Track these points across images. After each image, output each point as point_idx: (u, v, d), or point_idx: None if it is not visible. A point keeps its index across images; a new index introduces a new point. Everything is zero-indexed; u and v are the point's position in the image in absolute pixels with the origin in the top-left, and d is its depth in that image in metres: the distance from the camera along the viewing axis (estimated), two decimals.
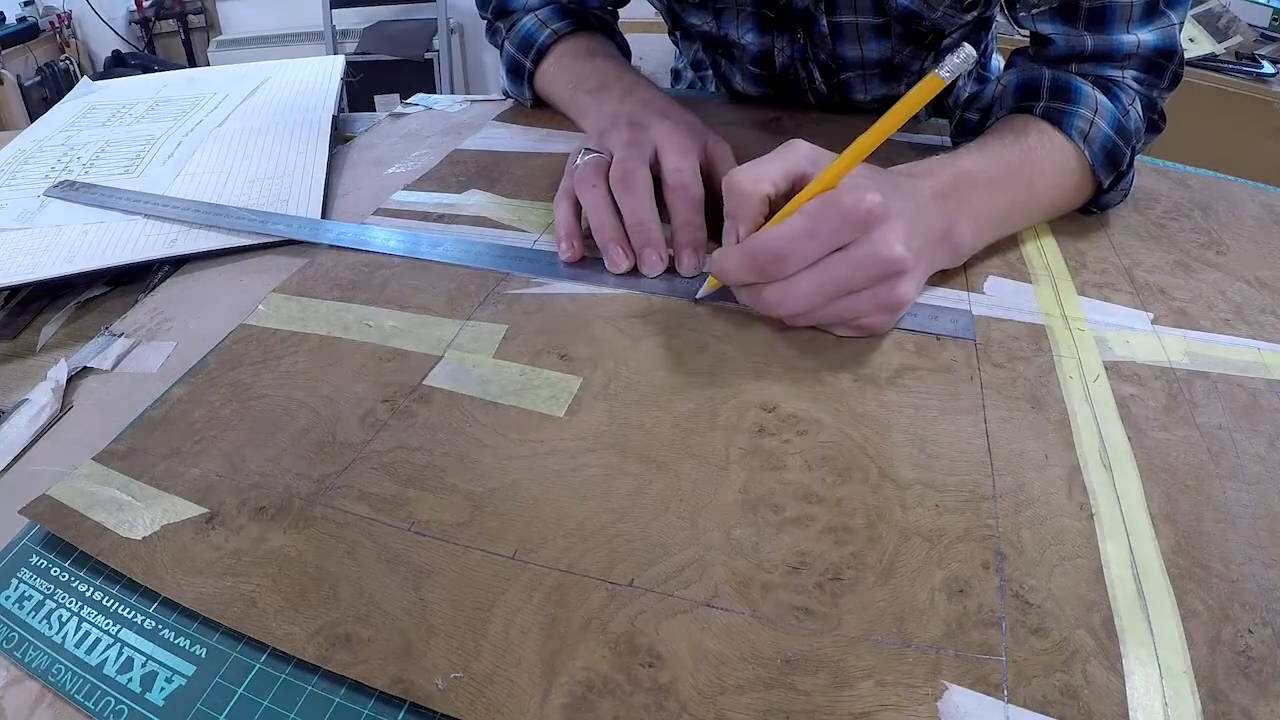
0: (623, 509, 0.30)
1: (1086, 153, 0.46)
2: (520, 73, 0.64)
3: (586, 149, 0.46)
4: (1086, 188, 0.48)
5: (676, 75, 0.88)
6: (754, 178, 0.36)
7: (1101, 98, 0.47)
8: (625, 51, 0.65)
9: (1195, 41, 1.64)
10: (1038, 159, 0.46)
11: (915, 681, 0.25)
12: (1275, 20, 1.75)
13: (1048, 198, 0.47)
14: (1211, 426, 0.34)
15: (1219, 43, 1.64)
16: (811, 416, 0.34)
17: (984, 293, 0.42)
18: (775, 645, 0.26)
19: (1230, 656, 0.25)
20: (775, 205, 0.37)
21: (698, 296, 0.41)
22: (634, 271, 0.43)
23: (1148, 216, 0.50)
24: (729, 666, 0.25)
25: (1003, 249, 0.46)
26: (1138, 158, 0.58)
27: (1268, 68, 1.61)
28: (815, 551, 0.28)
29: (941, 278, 0.43)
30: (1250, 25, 1.70)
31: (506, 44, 0.64)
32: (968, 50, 0.32)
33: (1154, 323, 0.40)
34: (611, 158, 0.44)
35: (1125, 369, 0.37)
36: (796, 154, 0.37)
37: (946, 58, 0.32)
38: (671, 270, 0.43)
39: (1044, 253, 0.46)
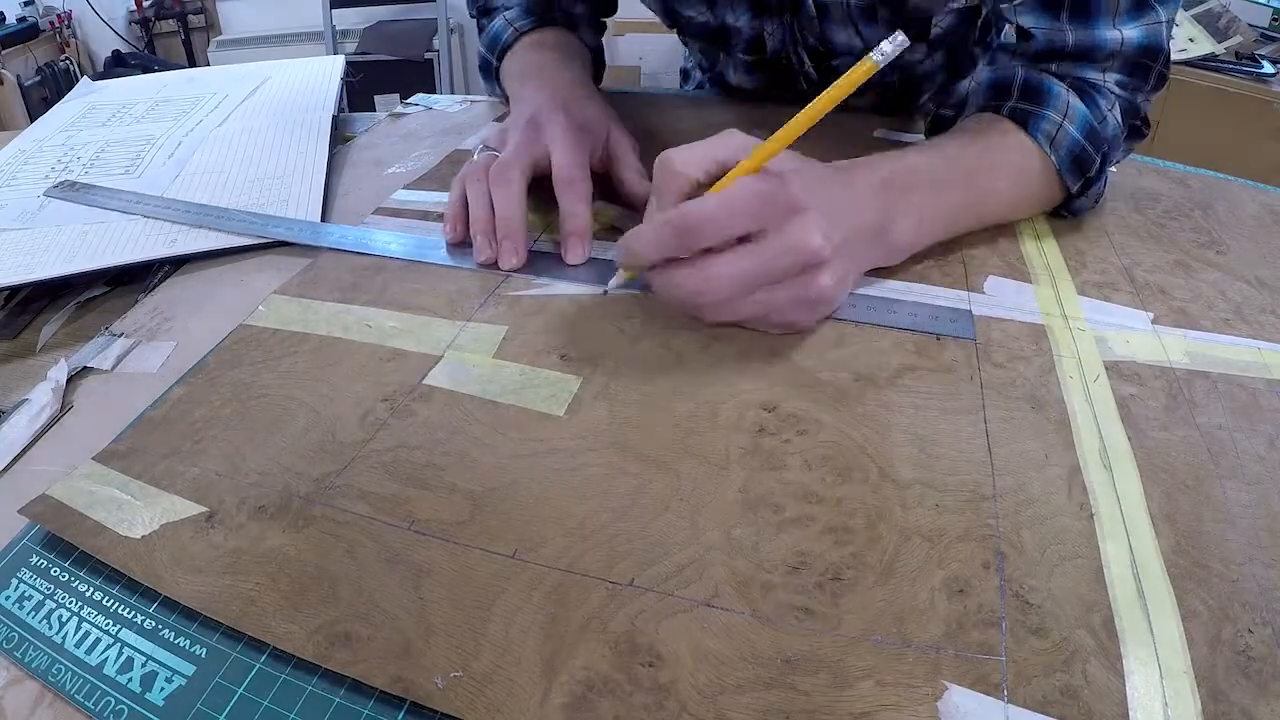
0: (622, 508, 0.30)
1: (1053, 157, 0.45)
2: (489, 70, 0.66)
3: (484, 145, 0.49)
4: (1052, 191, 0.47)
5: (685, 75, 0.88)
6: (685, 159, 0.37)
7: (1075, 101, 0.46)
8: (591, 47, 0.66)
9: (1195, 41, 1.64)
10: (995, 160, 0.45)
11: (915, 681, 0.24)
12: (1275, 20, 1.75)
13: (1006, 199, 0.46)
14: (1211, 426, 0.34)
15: (1219, 43, 1.64)
16: (811, 416, 0.34)
17: (984, 293, 0.42)
18: (775, 645, 0.26)
19: (1230, 656, 0.25)
20: (702, 191, 0.38)
21: (608, 287, 0.41)
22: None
23: (1148, 216, 0.50)
24: (729, 666, 0.25)
25: (1003, 249, 0.46)
26: (1140, 159, 0.59)
27: (1268, 68, 1.61)
28: (815, 551, 0.28)
29: (941, 277, 0.43)
30: (1250, 25, 1.70)
31: (479, 44, 0.66)
32: (901, 37, 0.33)
33: (1154, 322, 0.40)
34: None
35: (1125, 369, 0.37)
36: (731, 143, 0.38)
37: (881, 43, 0.33)
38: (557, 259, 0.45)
39: (1044, 253, 0.46)
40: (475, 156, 0.48)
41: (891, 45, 0.33)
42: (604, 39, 0.70)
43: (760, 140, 0.37)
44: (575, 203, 0.45)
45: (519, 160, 0.46)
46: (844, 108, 0.66)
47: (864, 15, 0.58)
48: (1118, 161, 0.51)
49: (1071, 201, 0.48)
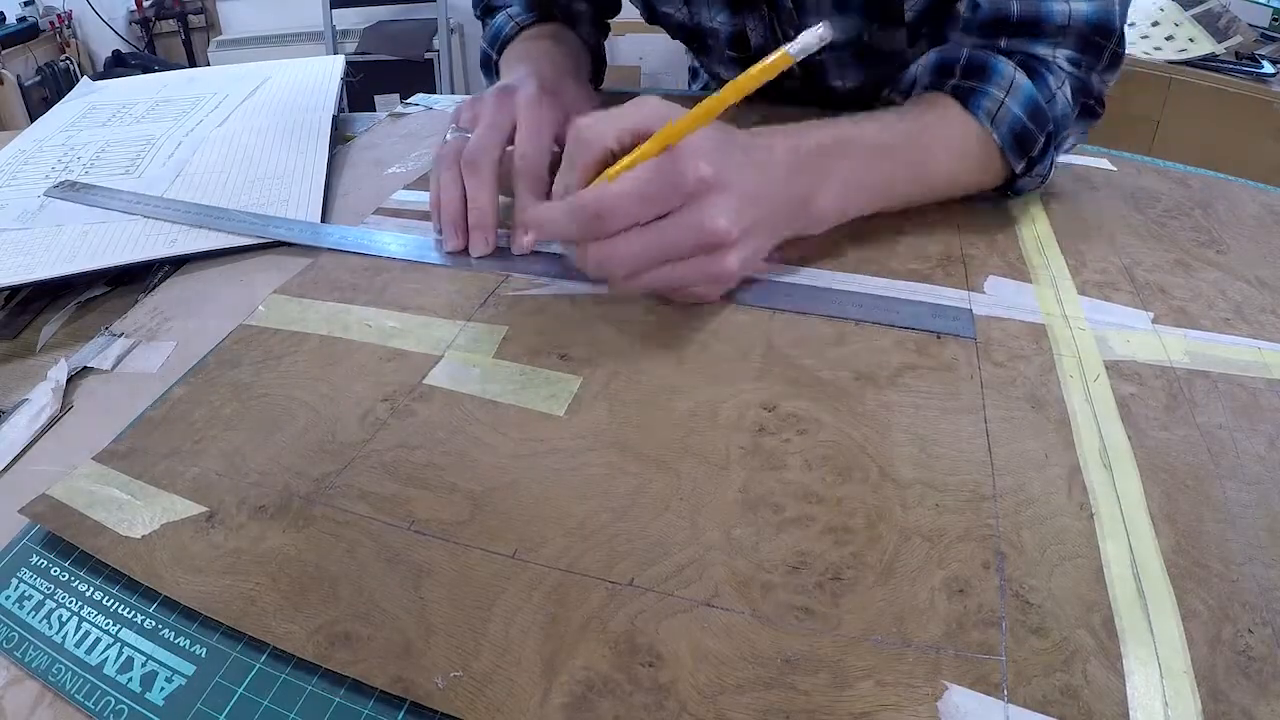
0: (623, 508, 0.30)
1: (994, 134, 0.45)
2: (489, 64, 0.66)
3: (455, 128, 0.48)
4: (994, 168, 0.47)
5: (694, 74, 0.88)
6: (599, 130, 0.37)
7: (1021, 78, 0.45)
8: (592, 44, 0.66)
9: (1195, 41, 1.64)
10: (934, 136, 0.45)
11: (915, 681, 0.24)
12: (1275, 20, 1.75)
13: (944, 175, 0.46)
14: (1212, 426, 0.34)
15: (1219, 43, 1.64)
16: (811, 416, 0.34)
17: (984, 292, 0.42)
18: (775, 645, 0.25)
19: (1230, 656, 0.25)
20: (615, 160, 0.37)
21: (517, 247, 0.43)
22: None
23: (1148, 216, 0.50)
24: (729, 666, 0.25)
25: (1003, 249, 0.46)
26: (1140, 159, 0.59)
27: (1268, 68, 1.61)
28: (815, 551, 0.28)
29: (942, 276, 0.43)
30: (1250, 25, 1.70)
31: (481, 40, 0.66)
32: (822, 29, 0.32)
33: (1154, 322, 0.40)
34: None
35: (1125, 368, 0.37)
36: (646, 110, 0.37)
37: (800, 34, 0.32)
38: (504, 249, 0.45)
39: (1044, 252, 0.46)
40: (447, 138, 0.48)
41: (813, 37, 0.32)
42: (608, 39, 0.70)
43: (678, 109, 0.37)
44: (528, 196, 0.45)
45: (490, 144, 0.45)
46: (831, 100, 0.66)
47: (835, 6, 0.57)
48: (1073, 144, 0.51)
49: (1015, 180, 0.48)
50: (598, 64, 0.68)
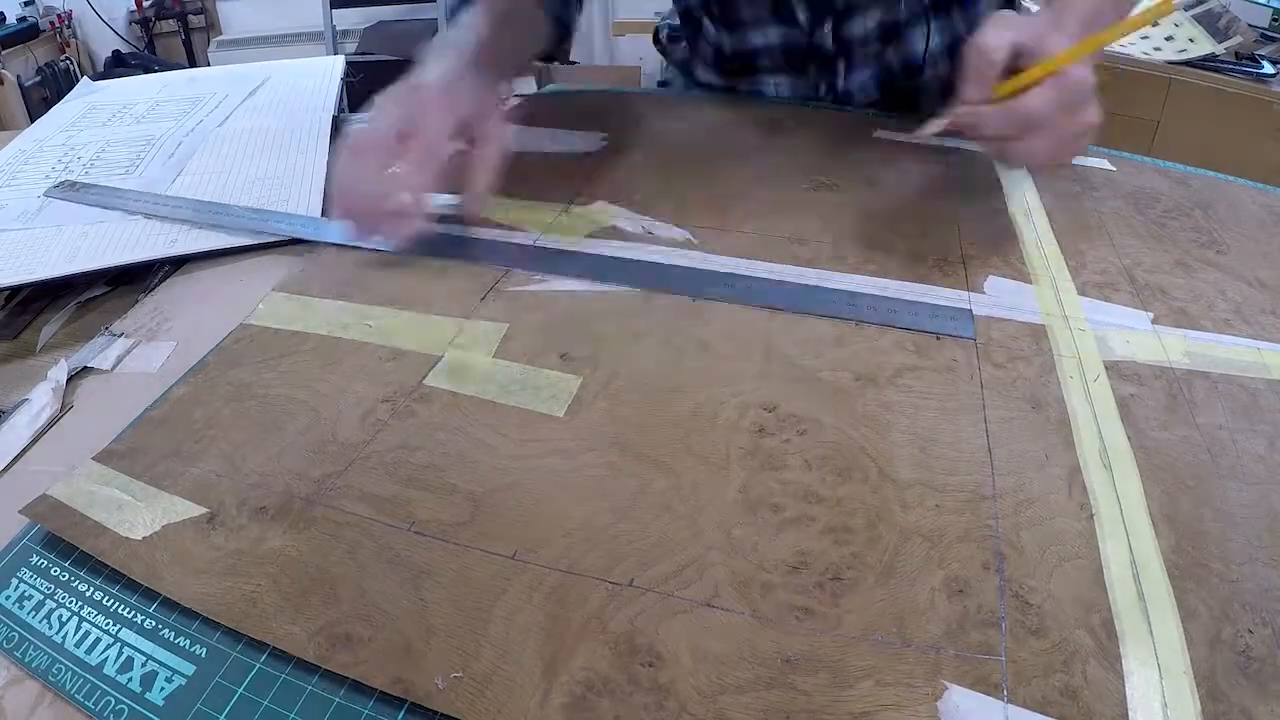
0: (623, 509, 0.30)
1: None
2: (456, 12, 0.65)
3: (361, 120, 0.49)
4: None
5: (665, 86, 0.88)
6: (996, 46, 0.43)
7: None
8: (559, 16, 0.64)
9: (1195, 41, 1.64)
10: None
11: (915, 681, 0.25)
12: (1275, 20, 1.75)
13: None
14: (1211, 426, 0.34)
15: (1219, 43, 1.64)
16: (811, 416, 0.34)
17: (984, 292, 0.42)
18: (775, 645, 0.26)
19: (1230, 656, 0.25)
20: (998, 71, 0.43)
21: (928, 131, 0.45)
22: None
23: (1148, 216, 0.50)
24: (729, 666, 0.25)
25: (1003, 249, 0.46)
26: (1140, 159, 0.59)
27: (1268, 68, 1.61)
28: (815, 551, 0.28)
29: (941, 277, 0.43)
30: (1250, 25, 1.70)
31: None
32: None
33: (1154, 322, 0.40)
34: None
35: (1125, 369, 0.37)
36: (1025, 32, 0.43)
37: None
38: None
39: (1044, 253, 0.46)
40: (351, 128, 0.48)
41: None
42: (608, 40, 0.69)
43: (1051, 36, 0.42)
44: (430, 180, 0.45)
45: (381, 138, 0.45)
46: (849, 106, 0.66)
47: None
48: None
49: None
50: (562, 33, 0.66)
